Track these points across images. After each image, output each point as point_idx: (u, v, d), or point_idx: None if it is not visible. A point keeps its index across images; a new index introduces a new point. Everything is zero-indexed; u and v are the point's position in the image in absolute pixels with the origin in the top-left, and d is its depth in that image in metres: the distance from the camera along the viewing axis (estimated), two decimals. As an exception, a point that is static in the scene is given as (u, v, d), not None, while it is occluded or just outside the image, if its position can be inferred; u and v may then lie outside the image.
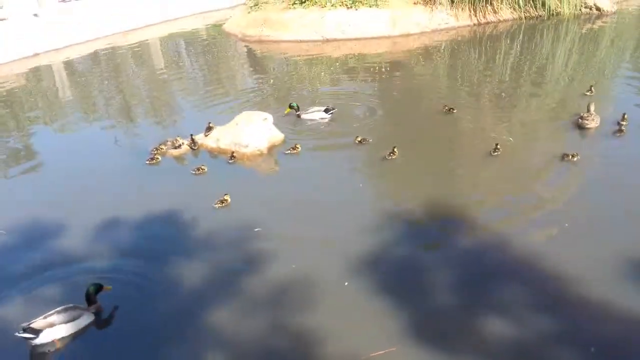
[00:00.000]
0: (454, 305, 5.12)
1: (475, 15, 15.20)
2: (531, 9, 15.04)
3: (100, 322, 5.24)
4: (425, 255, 5.87)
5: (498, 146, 7.85)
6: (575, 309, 4.93)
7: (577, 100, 9.75)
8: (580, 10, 15.18)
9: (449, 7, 15.16)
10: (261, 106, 10.36)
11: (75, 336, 5.05)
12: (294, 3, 15.85)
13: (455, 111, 9.20)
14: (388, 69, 12.71)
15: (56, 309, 5.04)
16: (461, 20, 15.18)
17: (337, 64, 13.62)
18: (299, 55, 14.53)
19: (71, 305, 5.13)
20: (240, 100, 11.14)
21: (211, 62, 14.96)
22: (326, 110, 9.67)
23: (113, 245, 6.36)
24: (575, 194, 6.95)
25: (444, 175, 7.58)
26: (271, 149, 8.65)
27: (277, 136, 8.86)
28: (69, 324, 4.99)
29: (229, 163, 8.23)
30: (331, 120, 9.61)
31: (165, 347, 4.87)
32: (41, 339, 4.88)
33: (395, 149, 7.88)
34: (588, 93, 9.75)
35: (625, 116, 8.53)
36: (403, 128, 9.06)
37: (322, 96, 11.28)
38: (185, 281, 5.67)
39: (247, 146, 8.49)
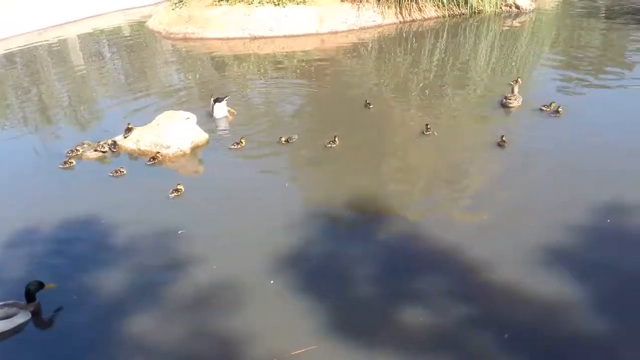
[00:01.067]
0: (375, 298, 5.12)
1: (401, 13, 15.38)
2: (454, 7, 15.38)
3: (38, 321, 5.11)
4: (350, 249, 5.83)
5: (428, 127, 8.25)
6: (491, 296, 5.03)
7: (501, 89, 10.08)
8: (500, 8, 15.66)
9: (375, 5, 15.26)
10: (186, 105, 10.05)
11: (9, 333, 4.96)
12: (220, 0, 15.50)
13: (372, 106, 9.22)
14: (317, 66, 12.64)
15: None
16: (388, 18, 15.32)
17: (266, 61, 13.42)
18: (226, 53, 14.25)
19: (10, 302, 5.04)
20: (164, 100, 10.76)
21: (134, 61, 14.41)
22: (216, 100, 9.42)
23: (24, 253, 5.96)
24: (498, 180, 7.12)
25: (369, 168, 7.59)
26: (195, 149, 8.38)
27: (201, 136, 8.58)
28: (2, 321, 4.91)
29: (148, 165, 7.90)
30: (259, 118, 9.43)
31: (89, 352, 4.70)
32: None
33: (336, 137, 7.97)
34: (513, 82, 9.99)
35: (553, 105, 9.06)
36: (330, 124, 8.96)
37: (250, 94, 11.08)
38: (106, 287, 5.41)
39: (169, 147, 8.18)
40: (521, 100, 9.24)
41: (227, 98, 9.58)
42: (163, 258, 5.85)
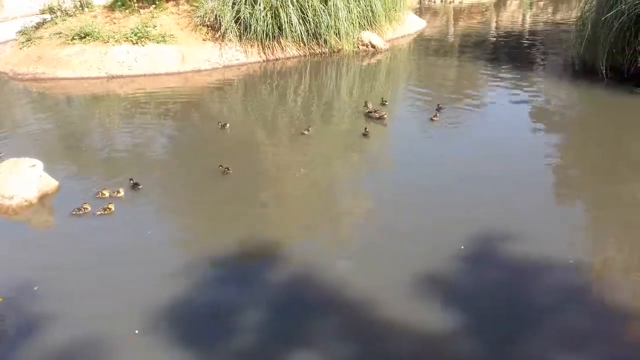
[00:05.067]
0: (258, 346, 4.94)
1: (264, 52, 15.55)
2: (315, 46, 15.86)
3: None
4: (228, 296, 5.61)
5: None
6: (377, 333, 5.06)
7: (362, 119, 10.62)
8: (358, 47, 16.41)
9: (238, 44, 15.31)
10: (36, 151, 9.25)
11: None
12: (73, 38, 14.69)
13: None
14: (182, 104, 12.36)
15: None
16: (251, 56, 15.42)
17: (125, 101, 12.85)
18: (82, 93, 13.47)
19: None
20: (9, 146, 9.84)
21: (-25, 104, 13.14)
22: None
23: None
24: (370, 211, 7.30)
25: (247, 211, 7.38)
26: (43, 198, 7.71)
27: (51, 183, 7.94)
28: None
29: None
30: (116, 166, 8.93)
31: None
32: None
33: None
34: (364, 107, 10.97)
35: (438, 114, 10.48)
36: (185, 173, 8.72)
37: (110, 135, 10.53)
38: None
39: (11, 198, 7.46)
40: (384, 112, 10.47)
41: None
42: (15, 316, 5.35)
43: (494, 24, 21.90)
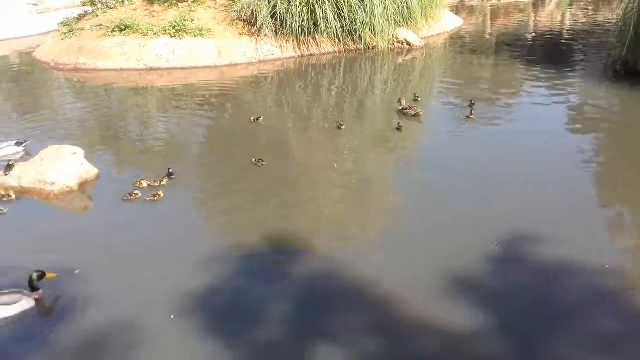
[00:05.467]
0: (285, 338, 5.00)
1: (299, 48, 15.64)
2: (350, 42, 15.88)
3: (41, 309, 5.37)
4: (260, 287, 5.69)
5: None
6: (403, 329, 5.07)
7: (396, 115, 10.64)
8: (393, 44, 16.36)
9: (273, 39, 15.43)
10: (78, 139, 9.54)
11: (12, 319, 5.22)
12: (113, 30, 15.03)
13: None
14: (217, 97, 12.53)
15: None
16: (286, 52, 15.53)
17: (163, 93, 13.12)
18: (121, 85, 13.75)
19: (16, 290, 5.37)
20: (52, 133, 10.16)
21: (20, 93, 13.58)
22: (17, 144, 9.07)
23: None
24: (402, 208, 7.28)
25: (279, 206, 7.43)
26: (83, 185, 7.94)
27: (91, 171, 8.16)
28: (5, 307, 5.21)
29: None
30: (153, 156, 9.12)
31: None
32: None
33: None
34: (398, 104, 10.93)
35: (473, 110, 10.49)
36: (219, 164, 8.85)
37: (148, 125, 10.77)
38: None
39: (53, 184, 7.69)
40: (420, 110, 10.49)
41: (27, 143, 9.17)
42: (56, 298, 5.52)
43: (532, 23, 21.57)
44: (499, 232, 6.49)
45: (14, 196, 7.50)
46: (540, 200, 7.33)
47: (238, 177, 8.19)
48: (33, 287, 5.42)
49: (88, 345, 4.90)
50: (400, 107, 10.72)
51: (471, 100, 11.00)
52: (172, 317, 5.17)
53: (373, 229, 6.94)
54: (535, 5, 24.91)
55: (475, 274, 5.81)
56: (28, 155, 8.84)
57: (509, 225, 6.65)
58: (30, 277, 5.41)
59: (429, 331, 5.04)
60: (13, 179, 7.85)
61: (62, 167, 7.80)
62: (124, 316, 5.21)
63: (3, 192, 7.52)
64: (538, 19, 22.49)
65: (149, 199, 7.36)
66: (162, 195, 7.42)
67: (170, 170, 8.01)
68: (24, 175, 7.83)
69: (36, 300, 5.39)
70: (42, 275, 5.46)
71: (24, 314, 5.29)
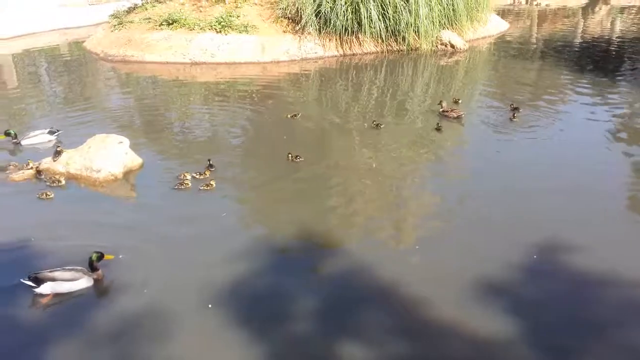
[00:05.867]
0: (315, 333, 5.08)
1: (342, 47, 15.72)
2: (393, 42, 15.86)
3: (98, 288, 5.64)
4: (290, 282, 5.78)
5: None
6: (429, 332, 5.08)
7: (436, 117, 10.58)
8: (436, 46, 16.27)
9: (317, 37, 15.54)
10: (123, 128, 9.85)
11: (71, 295, 5.51)
12: (161, 24, 15.40)
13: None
14: (258, 93, 12.70)
15: (63, 267, 5.60)
16: (328, 50, 15.62)
17: (206, 87, 13.38)
18: (166, 77, 14.09)
19: (78, 267, 5.63)
20: (99, 122, 10.51)
21: (70, 82, 14.03)
22: (50, 132, 9.40)
23: None
24: (439, 211, 7.29)
25: (314, 201, 7.54)
26: (127, 174, 8.19)
27: (135, 160, 8.41)
28: (68, 282, 5.50)
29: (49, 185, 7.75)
30: (194, 148, 9.32)
31: None
32: (41, 289, 5.44)
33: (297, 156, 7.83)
34: (438, 106, 10.93)
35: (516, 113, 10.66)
36: (257, 158, 8.98)
37: (191, 118, 11.01)
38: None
39: (99, 171, 7.96)
40: (458, 111, 10.58)
41: (59, 132, 9.52)
42: (100, 282, 5.73)
43: (580, 29, 21.10)
44: (535, 240, 6.41)
45: (63, 182, 7.79)
46: (580, 210, 7.20)
47: (275, 172, 8.30)
48: (93, 267, 5.68)
49: (129, 328, 5.08)
50: (441, 110, 10.68)
51: (512, 104, 10.94)
52: (210, 306, 5.31)
53: (407, 230, 6.95)
54: (585, 11, 24.37)
55: (509, 280, 5.77)
56: (59, 143, 9.20)
57: (545, 233, 6.57)
58: (90, 258, 5.67)
59: (458, 335, 5.03)
60: (61, 165, 8.15)
61: (108, 156, 8.07)
62: (164, 303, 5.38)
63: (54, 178, 7.82)
64: (587, 25, 22.00)
65: (202, 187, 7.56)
66: (214, 185, 7.61)
67: (211, 162, 8.18)
68: (72, 162, 8.12)
69: (95, 280, 5.66)
70: (101, 256, 5.73)
71: (84, 291, 5.56)
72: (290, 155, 8.55)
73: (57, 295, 5.48)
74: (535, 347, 4.90)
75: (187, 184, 7.64)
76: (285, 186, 7.95)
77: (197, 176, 7.84)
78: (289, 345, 4.92)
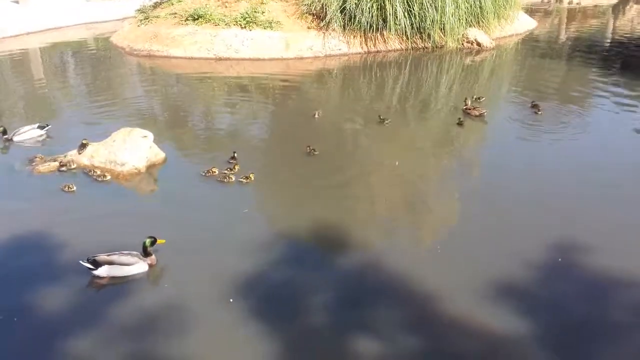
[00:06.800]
0: (328, 327, 5.07)
1: (367, 44, 15.62)
2: (418, 40, 15.71)
3: (151, 273, 5.79)
4: (309, 276, 5.77)
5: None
6: (443, 328, 5.03)
7: (460, 115, 10.40)
8: (462, 44, 16.08)
9: (341, 34, 15.46)
10: (146, 122, 9.90)
11: (126, 279, 5.67)
12: (187, 19, 15.46)
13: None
14: (281, 89, 12.70)
15: (120, 251, 5.76)
16: (353, 47, 15.54)
17: (230, 82, 13.43)
18: (190, 73, 14.15)
19: (134, 252, 5.78)
20: (124, 116, 10.58)
21: (96, 76, 14.18)
22: (40, 127, 9.40)
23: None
24: (459, 208, 7.22)
25: (335, 197, 7.51)
26: (151, 168, 8.24)
27: (159, 155, 8.46)
28: (124, 267, 5.69)
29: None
30: (215, 140, 9.35)
31: None
32: (98, 272, 5.61)
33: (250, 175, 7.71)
34: (463, 103, 10.80)
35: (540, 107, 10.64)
36: (278, 154, 8.96)
37: (214, 113, 11.05)
38: (45, 307, 5.20)
39: (123, 164, 8.02)
40: (483, 110, 10.37)
41: (48, 127, 9.52)
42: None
43: (610, 29, 20.69)
44: (555, 242, 6.29)
45: (109, 177, 7.80)
46: (602, 213, 7.03)
47: (296, 168, 8.28)
48: (146, 253, 5.81)
49: (147, 320, 5.11)
50: (464, 107, 10.56)
51: (533, 101, 10.89)
52: (231, 300, 5.32)
53: (425, 227, 6.90)
54: (615, 10, 23.88)
55: (528, 281, 5.67)
56: (49, 138, 9.31)
57: (565, 235, 6.44)
58: (144, 243, 5.80)
59: (473, 332, 4.97)
60: (86, 158, 8.22)
61: (133, 149, 8.12)
62: (188, 296, 5.40)
63: (99, 172, 7.86)
64: (617, 24, 21.56)
65: (242, 179, 7.62)
66: (253, 178, 7.66)
67: (235, 155, 8.21)
68: (96, 155, 8.20)
69: (149, 265, 5.80)
70: (154, 241, 5.87)
71: (138, 276, 5.70)
72: (308, 148, 8.57)
73: (113, 278, 5.64)
74: (548, 347, 4.81)
75: (231, 178, 7.68)
76: (305, 182, 7.92)
77: (229, 172, 7.82)
78: (306, 339, 4.91)
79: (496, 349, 4.82)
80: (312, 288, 5.57)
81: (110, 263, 5.62)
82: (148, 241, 5.82)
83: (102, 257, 5.62)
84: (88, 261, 5.60)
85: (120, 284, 5.65)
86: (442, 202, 7.50)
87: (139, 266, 5.73)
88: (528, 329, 5.00)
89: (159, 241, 5.91)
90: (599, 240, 6.36)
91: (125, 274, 5.67)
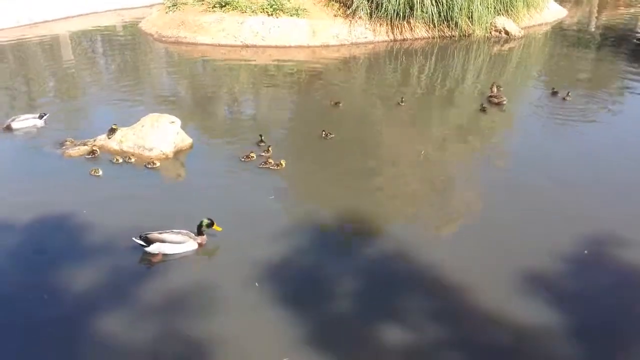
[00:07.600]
0: (355, 314, 5.14)
1: (393, 32, 15.55)
2: (445, 28, 15.58)
3: (201, 253, 5.98)
4: (334, 262, 5.87)
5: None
6: (469, 318, 5.06)
7: (488, 110, 10.28)
8: (490, 32, 15.89)
9: (367, 22, 15.41)
10: (173, 108, 10.06)
11: (177, 257, 5.86)
12: (214, 6, 15.56)
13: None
14: (307, 77, 12.75)
15: (172, 230, 5.95)
16: (379, 35, 15.48)
17: (256, 69, 13.51)
18: (217, 59, 14.27)
19: (185, 231, 5.97)
20: (152, 102, 10.76)
21: (125, 61, 14.40)
22: (40, 117, 9.44)
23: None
24: (486, 198, 7.20)
25: (359, 184, 7.56)
26: (178, 153, 8.39)
27: (185, 140, 8.60)
28: (175, 245, 5.87)
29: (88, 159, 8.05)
30: (241, 127, 9.45)
31: None
32: (150, 249, 5.81)
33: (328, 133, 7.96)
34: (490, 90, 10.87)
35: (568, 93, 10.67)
36: (303, 140, 9.03)
37: (239, 100, 11.15)
38: (76, 286, 5.38)
39: (151, 149, 8.18)
40: (505, 98, 10.34)
41: (47, 115, 9.54)
42: (139, 259, 5.88)
43: (643, 18, 20.21)
44: (581, 234, 6.28)
45: (158, 164, 7.93)
46: (629, 205, 6.97)
47: (323, 154, 8.35)
48: (200, 232, 6.00)
49: (176, 300, 5.26)
50: (490, 94, 10.52)
51: (553, 88, 10.95)
52: (257, 284, 5.43)
53: (450, 217, 6.88)
54: (649, -2, 23.28)
55: (554, 272, 5.67)
56: (46, 125, 9.40)
57: (591, 227, 6.42)
58: (201, 222, 5.98)
59: (499, 323, 4.98)
60: (115, 143, 8.40)
61: (161, 135, 8.27)
62: (214, 280, 5.54)
63: (151, 159, 8.01)
64: (650, 13, 21.02)
65: (273, 166, 7.78)
66: (284, 165, 7.77)
67: (262, 138, 8.32)
68: (125, 140, 8.36)
69: (199, 244, 5.97)
70: (211, 223, 6.02)
71: (188, 254, 5.91)
72: (324, 132, 8.77)
73: (165, 255, 5.83)
74: (577, 340, 4.82)
75: (273, 162, 7.85)
76: (332, 168, 7.98)
77: (265, 153, 8.06)
78: (330, 325, 4.98)
79: (523, 339, 4.83)
80: (337, 275, 5.64)
81: (162, 241, 5.80)
82: (206, 222, 5.98)
83: (154, 235, 5.80)
84: (140, 238, 5.79)
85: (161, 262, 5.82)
86: (467, 195, 7.48)
87: (188, 245, 5.91)
88: (555, 321, 5.01)
89: (215, 227, 6.02)
90: (623, 232, 6.32)
91: (175, 252, 5.86)
